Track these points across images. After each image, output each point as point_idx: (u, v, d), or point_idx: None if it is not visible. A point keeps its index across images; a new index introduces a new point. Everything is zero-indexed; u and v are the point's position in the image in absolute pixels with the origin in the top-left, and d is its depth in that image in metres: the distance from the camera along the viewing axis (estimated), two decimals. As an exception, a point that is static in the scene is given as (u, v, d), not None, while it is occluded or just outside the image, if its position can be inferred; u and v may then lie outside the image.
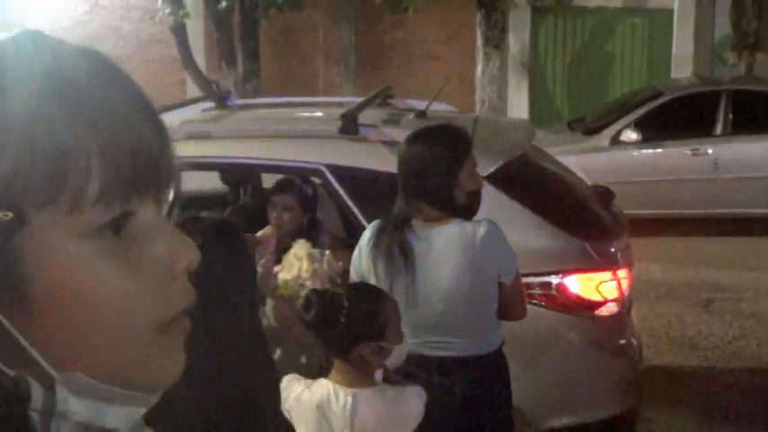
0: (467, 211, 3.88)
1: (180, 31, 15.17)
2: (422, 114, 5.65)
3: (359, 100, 5.81)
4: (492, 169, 4.94)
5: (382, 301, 3.38)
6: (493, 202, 4.75)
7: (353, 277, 4.07)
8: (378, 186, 5.04)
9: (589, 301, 4.81)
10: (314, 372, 5.08)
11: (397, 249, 3.83)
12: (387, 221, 3.95)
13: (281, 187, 5.38)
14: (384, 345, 3.30)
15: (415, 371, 3.85)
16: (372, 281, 3.90)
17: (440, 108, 6.15)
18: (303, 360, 5.25)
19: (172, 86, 16.61)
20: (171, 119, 5.98)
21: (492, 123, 6.05)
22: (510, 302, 3.95)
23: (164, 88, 16.22)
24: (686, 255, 10.92)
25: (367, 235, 4.01)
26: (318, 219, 5.48)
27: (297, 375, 3.51)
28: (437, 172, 3.80)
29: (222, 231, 3.13)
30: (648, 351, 7.56)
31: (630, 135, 11.79)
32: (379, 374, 3.43)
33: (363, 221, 4.78)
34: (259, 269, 5.46)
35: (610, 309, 4.86)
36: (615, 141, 11.86)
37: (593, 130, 12.28)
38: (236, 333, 3.01)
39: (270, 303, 5.40)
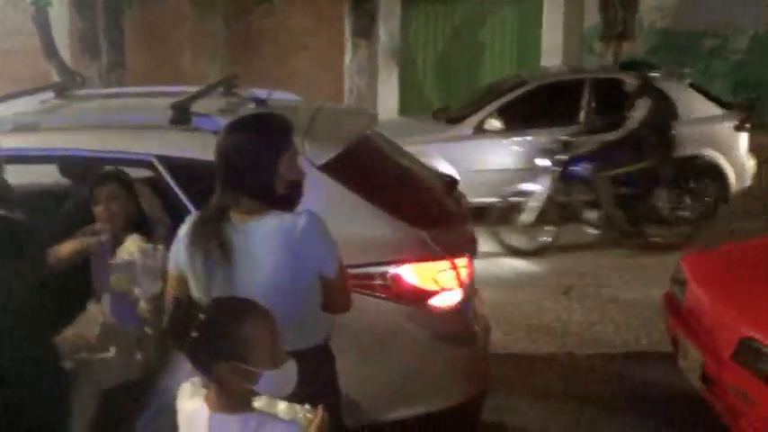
0: (287, 202, 3.75)
1: (42, 20, 14.73)
2: (262, 103, 5.51)
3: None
4: (327, 159, 4.84)
5: (247, 318, 3.09)
6: (327, 192, 4.68)
7: (173, 273, 3.90)
8: (211, 178, 4.89)
9: (426, 291, 4.72)
10: (149, 369, 4.99)
11: (214, 243, 3.67)
12: (204, 214, 3.80)
13: (102, 178, 5.21)
14: (245, 367, 3.03)
15: None
16: (191, 276, 3.76)
17: (283, 97, 6.01)
18: (138, 357, 5.12)
19: (35, 78, 16.15)
20: (5, 110, 5.78)
21: (333, 112, 5.89)
22: (333, 296, 3.83)
23: (27, 80, 15.75)
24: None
25: (184, 228, 3.85)
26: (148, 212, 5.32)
27: (195, 382, 3.29)
28: (255, 162, 3.66)
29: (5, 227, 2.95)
30: (507, 338, 7.59)
31: (493, 123, 11.78)
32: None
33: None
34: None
35: (448, 298, 4.78)
36: (479, 130, 11.85)
37: (457, 119, 12.23)
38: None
39: (104, 306, 5.26)
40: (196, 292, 3.75)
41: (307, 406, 3.34)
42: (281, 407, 3.37)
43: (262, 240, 3.64)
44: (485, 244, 9.58)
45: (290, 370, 3.19)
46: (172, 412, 4.50)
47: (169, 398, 4.68)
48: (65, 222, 5.53)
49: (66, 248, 4.96)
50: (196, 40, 17.55)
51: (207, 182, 4.80)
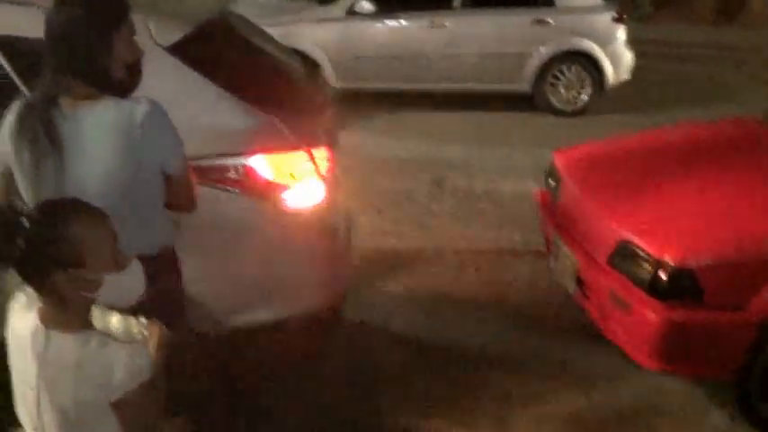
0: (124, 86, 3.29)
1: None
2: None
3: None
4: (175, 39, 4.39)
5: (79, 219, 2.69)
6: (174, 75, 4.28)
7: None
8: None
9: (280, 185, 4.31)
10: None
11: (41, 133, 3.22)
12: (30, 99, 3.31)
13: None
14: (83, 273, 2.64)
15: None
16: (18, 172, 3.30)
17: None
18: None
19: None
20: None
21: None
22: (176, 194, 3.44)
23: None
24: (420, 131, 10.71)
25: (10, 116, 3.35)
26: None
27: (29, 293, 2.81)
28: (86, 41, 3.19)
29: None
30: (371, 231, 7.24)
31: (365, 6, 11.38)
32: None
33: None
34: None
35: (305, 193, 4.38)
36: (350, 12, 11.44)
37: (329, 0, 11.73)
38: None
39: None
40: (23, 190, 3.32)
41: (142, 319, 2.96)
42: (113, 320, 2.99)
43: (94, 129, 3.21)
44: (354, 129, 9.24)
45: (136, 273, 2.84)
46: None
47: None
48: None
49: None
50: None
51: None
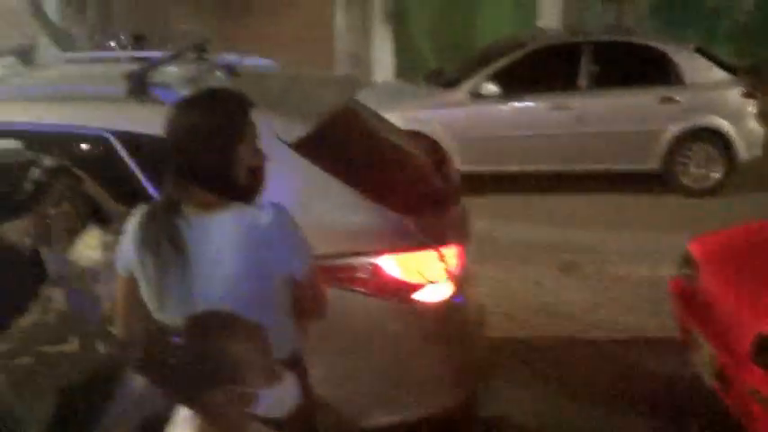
0: (249, 192, 3.26)
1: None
2: (232, 71, 5.02)
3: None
4: (299, 135, 4.36)
5: (233, 333, 2.63)
6: (299, 173, 4.25)
7: (122, 275, 3.41)
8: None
9: (409, 284, 4.23)
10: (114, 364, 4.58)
11: (164, 242, 3.19)
12: (153, 207, 3.30)
13: (50, 173, 4.79)
14: (239, 389, 2.55)
15: None
16: (142, 280, 3.28)
17: (256, 63, 5.51)
18: (102, 349, 4.69)
19: (24, 38, 15.75)
20: None
21: (309, 81, 5.39)
22: (304, 301, 3.37)
23: (15, 40, 15.33)
24: (547, 213, 10.55)
25: (133, 223, 3.34)
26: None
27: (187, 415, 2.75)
28: (209, 147, 3.16)
29: None
30: (500, 320, 7.11)
31: (490, 88, 11.31)
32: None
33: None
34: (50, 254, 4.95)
35: (434, 292, 4.29)
36: (474, 95, 11.40)
37: (451, 83, 11.79)
38: None
39: (61, 295, 4.89)
40: (147, 298, 3.29)
41: None
42: None
43: (219, 237, 3.17)
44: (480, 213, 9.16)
45: (291, 383, 2.79)
46: (135, 415, 4.10)
47: (132, 399, 4.30)
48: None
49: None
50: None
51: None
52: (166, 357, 2.55)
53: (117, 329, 3.52)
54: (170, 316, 3.21)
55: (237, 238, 3.16)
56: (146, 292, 3.30)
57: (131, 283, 3.35)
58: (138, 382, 4.28)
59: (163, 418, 3.36)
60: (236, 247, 3.16)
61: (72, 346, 4.83)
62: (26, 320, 5.01)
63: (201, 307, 2.97)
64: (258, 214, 3.17)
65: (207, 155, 3.16)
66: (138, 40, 5.90)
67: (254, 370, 2.59)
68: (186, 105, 3.29)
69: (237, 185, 3.22)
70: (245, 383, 2.56)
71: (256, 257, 3.16)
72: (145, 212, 3.32)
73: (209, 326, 2.66)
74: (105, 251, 4.41)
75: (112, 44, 5.82)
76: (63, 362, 4.75)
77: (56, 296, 5.00)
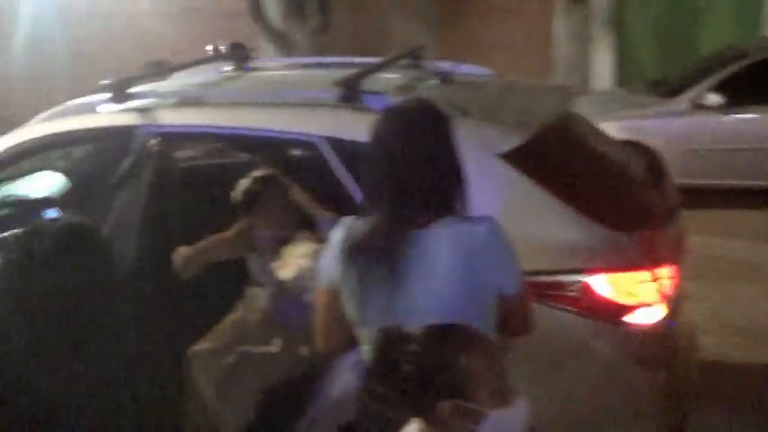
0: (457, 204, 3.22)
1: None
2: (446, 79, 4.97)
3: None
4: (511, 146, 4.24)
5: (473, 349, 2.63)
6: (510, 186, 4.12)
7: (323, 289, 3.40)
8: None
9: (620, 305, 4.05)
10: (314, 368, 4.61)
11: (374, 255, 3.17)
12: (364, 222, 3.28)
13: (258, 180, 4.99)
14: (468, 405, 2.54)
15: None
16: (346, 292, 3.27)
17: (471, 71, 5.42)
18: (304, 352, 4.84)
19: (248, 39, 16.17)
20: (180, 81, 5.56)
21: (524, 90, 5.24)
22: (512, 317, 3.30)
23: (240, 40, 15.77)
24: (755, 230, 10.08)
25: (338, 235, 3.33)
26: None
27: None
28: (428, 160, 3.16)
29: (75, 236, 2.56)
30: (713, 343, 6.80)
31: (713, 98, 10.97)
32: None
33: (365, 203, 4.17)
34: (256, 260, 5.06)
35: (646, 314, 4.10)
36: (696, 105, 11.09)
37: (672, 93, 11.50)
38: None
39: (265, 296, 4.95)
40: (348, 308, 3.29)
41: None
42: None
43: (430, 251, 3.13)
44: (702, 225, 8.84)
45: (520, 410, 2.68)
46: (329, 422, 4.11)
47: (328, 406, 4.31)
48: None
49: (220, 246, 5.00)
50: (404, 2, 17.14)
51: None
52: (401, 365, 2.55)
53: (317, 341, 3.51)
54: (369, 329, 3.18)
55: (450, 252, 3.11)
56: (347, 302, 3.29)
57: (333, 296, 3.34)
58: (335, 389, 4.30)
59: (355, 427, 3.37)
60: (448, 261, 3.12)
61: (274, 348, 4.89)
62: (232, 318, 5.12)
63: (409, 319, 2.94)
64: (474, 229, 3.13)
65: (423, 169, 3.14)
66: (237, 49, 5.94)
67: (486, 388, 2.56)
68: (395, 114, 3.28)
69: (448, 198, 3.19)
70: (476, 400, 2.53)
71: (467, 272, 3.11)
72: (352, 225, 3.30)
73: (447, 337, 2.65)
74: (314, 259, 4.44)
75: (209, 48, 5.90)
76: (265, 363, 4.81)
77: (260, 296, 5.09)
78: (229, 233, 5.13)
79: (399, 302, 3.15)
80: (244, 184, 4.97)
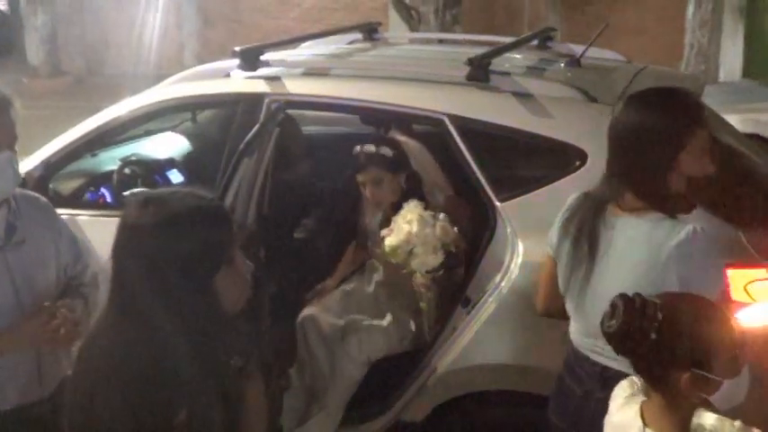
0: (679, 203, 3.23)
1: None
2: (574, 62, 4.95)
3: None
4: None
5: (712, 318, 2.65)
6: None
7: (547, 253, 3.55)
8: (505, 145, 4.47)
9: (734, 302, 3.95)
10: (420, 344, 4.66)
11: (583, 234, 3.29)
12: (583, 198, 3.40)
13: (366, 161, 4.99)
14: (707, 375, 2.58)
15: (580, 374, 3.44)
16: (559, 263, 3.42)
17: (602, 55, 5.37)
18: (412, 327, 4.93)
19: (374, 11, 16.29)
20: (311, 50, 5.70)
21: (657, 76, 5.15)
22: None
23: (366, 12, 15.90)
24: None
25: (563, 209, 3.47)
26: (421, 176, 5.08)
27: (633, 382, 2.87)
28: (648, 150, 3.15)
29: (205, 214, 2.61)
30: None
31: None
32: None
33: (483, 182, 4.28)
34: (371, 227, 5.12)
35: (760, 314, 4.04)
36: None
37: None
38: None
39: (380, 268, 5.13)
40: (559, 281, 3.43)
41: (737, 423, 2.76)
42: (708, 420, 2.79)
43: (628, 243, 3.20)
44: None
45: (744, 376, 2.79)
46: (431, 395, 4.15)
47: (432, 380, 4.35)
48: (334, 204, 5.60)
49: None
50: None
51: (500, 149, 4.37)
52: (649, 332, 2.59)
53: (536, 303, 3.68)
54: (568, 302, 3.37)
55: (645, 246, 3.16)
56: (559, 275, 3.42)
57: (552, 263, 3.49)
58: (440, 363, 4.35)
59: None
60: (640, 254, 3.16)
61: (385, 322, 4.94)
62: (346, 287, 5.20)
63: (595, 300, 3.13)
64: (675, 229, 3.13)
65: (644, 157, 3.15)
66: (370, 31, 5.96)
67: (726, 359, 2.60)
68: (633, 102, 3.30)
69: (668, 194, 3.19)
70: (713, 371, 2.58)
71: (655, 270, 3.13)
72: (574, 202, 3.41)
73: (689, 306, 2.68)
74: (420, 226, 4.52)
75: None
76: (375, 334, 4.87)
77: (377, 270, 5.15)
78: (347, 256, 5.43)
79: (592, 281, 3.26)
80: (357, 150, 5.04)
